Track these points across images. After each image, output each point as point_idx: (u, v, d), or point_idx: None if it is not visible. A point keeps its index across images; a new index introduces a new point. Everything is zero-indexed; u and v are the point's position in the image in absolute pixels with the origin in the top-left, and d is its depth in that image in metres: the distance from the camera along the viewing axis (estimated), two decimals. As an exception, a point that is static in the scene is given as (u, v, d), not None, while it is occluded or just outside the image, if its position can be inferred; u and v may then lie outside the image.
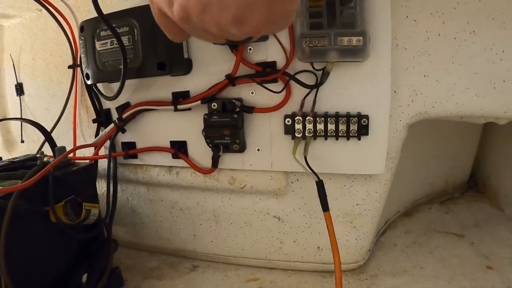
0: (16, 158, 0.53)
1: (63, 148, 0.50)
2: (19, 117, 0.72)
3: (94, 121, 0.57)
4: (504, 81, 0.43)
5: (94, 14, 0.44)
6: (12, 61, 0.72)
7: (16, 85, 0.73)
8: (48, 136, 0.53)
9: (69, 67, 0.62)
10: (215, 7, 0.19)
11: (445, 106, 0.46)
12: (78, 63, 0.61)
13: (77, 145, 0.62)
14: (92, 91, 0.56)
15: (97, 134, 0.58)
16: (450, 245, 0.59)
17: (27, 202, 0.40)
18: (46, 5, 0.57)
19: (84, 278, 0.46)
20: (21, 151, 0.76)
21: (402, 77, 0.45)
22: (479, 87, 0.44)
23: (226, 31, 0.21)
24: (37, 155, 0.51)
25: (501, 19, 0.42)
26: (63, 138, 0.65)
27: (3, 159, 0.65)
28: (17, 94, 0.73)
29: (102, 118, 0.57)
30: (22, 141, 0.74)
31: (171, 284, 0.56)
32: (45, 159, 0.48)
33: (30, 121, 0.54)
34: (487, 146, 0.78)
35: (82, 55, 0.51)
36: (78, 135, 0.62)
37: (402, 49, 0.44)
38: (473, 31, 0.43)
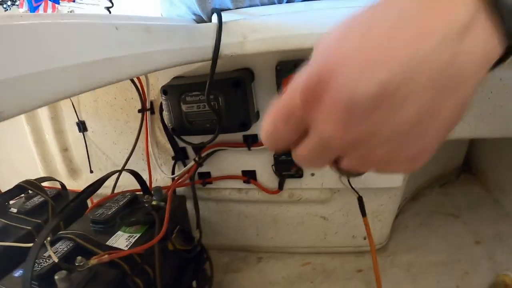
0: (114, 200, 0.65)
1: (160, 188, 0.65)
2: (87, 151, 0.86)
3: (173, 158, 0.72)
4: (490, 113, 0.62)
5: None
6: (71, 101, 0.84)
7: (77, 123, 0.85)
8: (143, 184, 0.67)
9: (139, 111, 0.75)
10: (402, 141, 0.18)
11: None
12: (147, 107, 0.74)
13: (152, 177, 0.78)
14: (172, 138, 0.70)
15: (173, 168, 0.74)
16: (448, 224, 0.81)
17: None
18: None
19: (194, 283, 0.65)
20: (87, 179, 0.90)
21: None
22: (470, 120, 0.63)
23: (386, 166, 0.20)
24: (140, 198, 0.65)
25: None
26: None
27: (69, 187, 0.80)
28: (80, 131, 0.85)
29: (180, 155, 0.72)
30: (91, 171, 0.88)
31: (248, 274, 0.76)
32: (154, 202, 0.63)
33: (130, 171, 0.68)
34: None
35: (166, 112, 0.65)
36: (155, 169, 0.77)
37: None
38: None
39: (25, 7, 2.51)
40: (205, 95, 0.55)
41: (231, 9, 0.54)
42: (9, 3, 2.63)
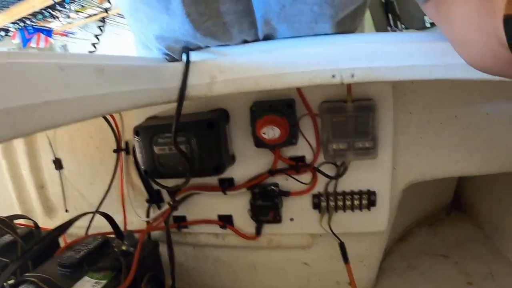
0: (85, 243, 0.63)
1: (131, 232, 0.63)
2: (62, 190, 0.83)
3: (147, 201, 0.70)
4: (477, 150, 0.61)
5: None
6: (48, 138, 0.82)
7: (53, 160, 0.83)
8: (115, 227, 0.65)
9: (114, 151, 0.74)
10: None
11: (431, 174, 0.63)
12: (122, 147, 0.73)
13: (127, 219, 0.75)
14: (146, 180, 0.68)
15: (147, 211, 0.71)
16: (437, 265, 0.78)
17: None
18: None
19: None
20: (63, 218, 0.87)
21: (400, 157, 0.62)
22: (458, 158, 0.62)
23: None
24: (111, 242, 0.63)
25: (476, 104, 0.59)
26: (106, 211, 0.77)
27: (44, 225, 0.77)
28: (56, 168, 0.83)
29: (155, 198, 0.70)
30: (67, 211, 0.85)
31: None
32: (123, 247, 0.60)
33: (103, 213, 0.66)
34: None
35: (138, 153, 0.63)
36: (129, 211, 0.74)
37: (400, 135, 0.61)
38: (455, 116, 0.60)
39: (17, 39, 2.55)
40: (172, 136, 0.53)
41: (202, 48, 0.53)
42: (2, 33, 2.68)
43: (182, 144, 0.59)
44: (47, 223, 0.89)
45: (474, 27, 0.28)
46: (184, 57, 0.50)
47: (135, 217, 0.75)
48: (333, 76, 0.43)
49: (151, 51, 0.58)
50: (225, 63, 0.47)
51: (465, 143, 0.61)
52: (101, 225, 0.72)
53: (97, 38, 0.78)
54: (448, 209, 1.00)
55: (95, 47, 0.80)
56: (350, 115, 0.55)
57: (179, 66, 0.47)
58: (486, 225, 0.89)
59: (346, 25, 0.53)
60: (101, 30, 0.76)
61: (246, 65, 0.46)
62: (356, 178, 0.61)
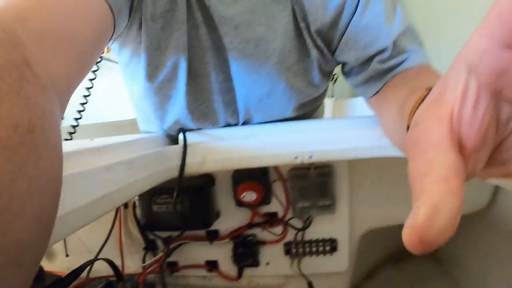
0: (91, 285, 0.74)
1: (131, 276, 0.73)
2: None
3: (144, 248, 0.81)
4: None
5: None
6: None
7: (58, 210, 0.94)
8: (117, 272, 0.75)
9: (115, 204, 0.85)
10: None
11: (386, 222, 0.77)
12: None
13: (125, 264, 0.85)
14: (144, 231, 0.80)
15: (144, 257, 0.82)
16: (399, 301, 0.90)
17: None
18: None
19: None
20: (63, 261, 0.96)
21: (356, 210, 0.76)
22: (410, 206, 0.75)
23: None
24: (114, 284, 0.73)
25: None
26: (104, 255, 0.87)
27: (46, 269, 0.86)
28: (60, 218, 0.94)
29: (150, 246, 0.81)
30: (67, 255, 0.94)
31: None
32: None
33: (106, 259, 0.76)
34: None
35: (139, 210, 0.75)
36: (127, 257, 0.85)
37: (356, 192, 0.75)
38: (402, 174, 0.74)
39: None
40: (173, 201, 0.66)
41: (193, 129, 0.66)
42: None
43: (177, 204, 0.71)
44: (47, 266, 0.98)
45: (394, 126, 0.42)
46: (181, 136, 0.63)
47: (132, 262, 0.86)
48: (296, 157, 0.57)
49: (151, 125, 0.71)
50: (213, 146, 0.60)
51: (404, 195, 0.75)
52: (99, 269, 0.82)
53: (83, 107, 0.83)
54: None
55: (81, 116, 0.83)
56: (313, 179, 0.69)
57: (178, 149, 0.60)
58: (447, 260, 1.01)
59: (308, 109, 0.68)
60: (92, 83, 0.80)
61: (230, 149, 0.60)
62: (320, 229, 0.75)
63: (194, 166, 0.61)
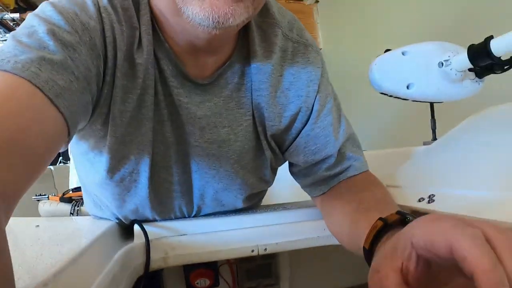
0: None
1: None
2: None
3: None
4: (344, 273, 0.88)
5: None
6: None
7: None
8: None
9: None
10: None
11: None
12: None
13: None
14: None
15: None
16: None
17: None
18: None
19: None
20: None
21: (296, 286, 0.84)
22: (337, 276, 0.87)
23: None
24: None
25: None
26: None
27: None
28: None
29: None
30: None
31: None
32: None
33: None
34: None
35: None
36: None
37: (294, 272, 0.83)
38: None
39: None
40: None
41: (150, 220, 0.67)
42: None
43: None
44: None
45: (348, 239, 0.51)
46: (136, 227, 0.63)
47: None
48: (252, 251, 0.63)
49: (103, 211, 0.69)
50: (175, 242, 0.61)
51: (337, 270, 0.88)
52: None
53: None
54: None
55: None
56: (258, 263, 0.77)
57: (140, 245, 0.60)
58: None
59: (256, 200, 0.76)
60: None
61: (191, 244, 0.62)
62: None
63: (157, 262, 0.57)
